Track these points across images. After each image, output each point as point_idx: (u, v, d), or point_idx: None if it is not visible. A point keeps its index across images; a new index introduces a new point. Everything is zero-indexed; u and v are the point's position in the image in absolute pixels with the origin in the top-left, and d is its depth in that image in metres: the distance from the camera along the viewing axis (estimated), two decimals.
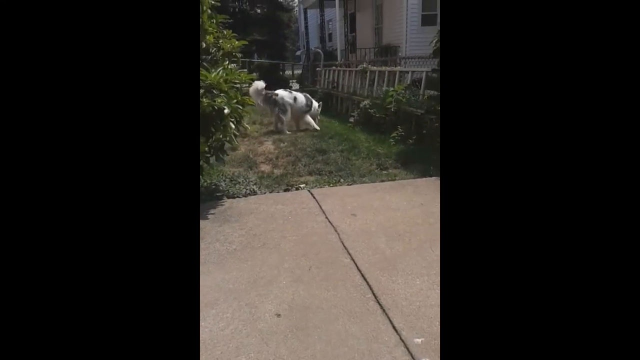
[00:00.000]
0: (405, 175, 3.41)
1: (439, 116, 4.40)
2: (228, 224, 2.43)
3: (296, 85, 14.15)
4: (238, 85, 2.60)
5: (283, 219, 2.49)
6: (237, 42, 2.70)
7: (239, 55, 2.80)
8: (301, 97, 5.61)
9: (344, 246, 2.12)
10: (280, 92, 5.51)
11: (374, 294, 1.69)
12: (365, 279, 1.81)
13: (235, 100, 2.44)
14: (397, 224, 2.39)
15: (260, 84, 5.52)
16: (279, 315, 1.55)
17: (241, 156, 4.17)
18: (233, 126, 2.47)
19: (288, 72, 18.82)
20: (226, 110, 2.32)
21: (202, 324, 1.50)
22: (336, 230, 2.31)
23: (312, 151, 4.33)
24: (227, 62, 2.69)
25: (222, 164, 3.00)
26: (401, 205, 2.69)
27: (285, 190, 3.08)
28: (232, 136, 2.52)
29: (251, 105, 2.94)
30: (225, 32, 2.83)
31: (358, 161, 3.95)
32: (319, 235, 2.26)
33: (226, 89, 2.40)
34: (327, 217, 2.50)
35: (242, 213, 2.59)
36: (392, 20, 10.80)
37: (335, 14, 11.23)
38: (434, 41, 4.09)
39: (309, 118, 5.68)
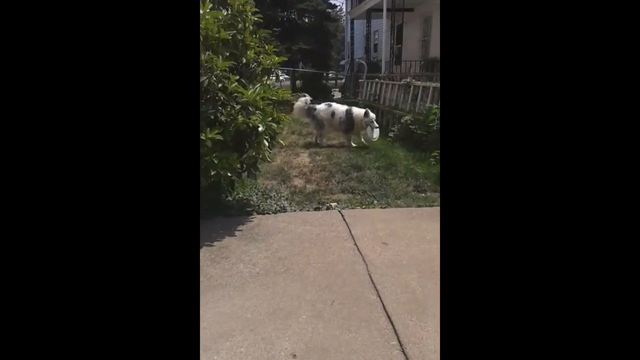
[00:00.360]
0: None
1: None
2: (254, 243, 2.38)
3: (338, 94, 14.17)
4: (275, 101, 2.56)
5: (310, 242, 2.41)
6: (276, 58, 2.67)
7: (278, 72, 2.77)
8: (340, 114, 5.28)
9: (372, 280, 1.99)
10: (319, 107, 5.43)
11: (399, 341, 1.55)
12: (391, 322, 1.67)
13: (270, 118, 2.40)
14: (431, 258, 2.21)
15: (304, 99, 5.53)
16: (294, 357, 1.45)
17: (276, 168, 4.16)
18: (267, 143, 2.43)
19: (332, 81, 18.93)
20: (260, 128, 2.29)
21: (214, 357, 1.44)
22: (364, 260, 2.18)
23: (347, 167, 4.23)
24: (266, 78, 2.67)
25: (253, 179, 2.98)
26: (438, 236, 2.50)
27: (315, 209, 2.99)
28: (265, 153, 2.48)
29: (287, 121, 2.90)
30: (266, 47, 2.82)
31: (394, 181, 3.79)
32: (345, 264, 2.14)
33: (262, 106, 2.36)
34: (356, 244, 2.38)
35: (270, 232, 2.54)
36: None
37: (381, 25, 11.11)
38: None
39: (349, 135, 5.46)
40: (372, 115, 5.24)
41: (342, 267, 2.12)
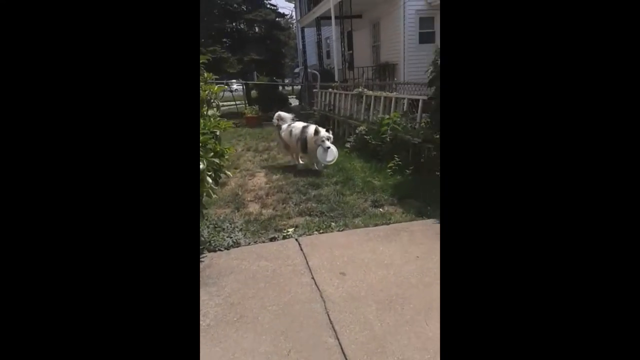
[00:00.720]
0: (401, 217, 3.20)
1: (438, 148, 4.25)
2: (205, 288, 2.23)
3: (295, 101, 14.10)
4: (217, 134, 2.43)
5: (265, 280, 2.29)
6: (216, 88, 2.54)
7: (219, 102, 2.64)
8: (297, 133, 4.80)
9: (329, 319, 1.91)
10: (283, 127, 5.06)
11: None
12: None
13: (212, 154, 2.26)
14: (389, 285, 2.18)
15: (280, 115, 5.22)
16: None
17: (230, 193, 4.00)
18: (210, 180, 2.29)
19: (288, 88, 18.85)
20: (201, 166, 2.15)
21: None
22: (322, 297, 2.10)
23: (304, 185, 4.15)
24: (207, 108, 2.53)
25: (201, 218, 2.81)
26: (395, 259, 2.48)
27: (271, 240, 2.88)
28: (210, 190, 2.33)
29: (233, 152, 2.77)
30: (206, 75, 2.68)
31: (352, 197, 3.76)
32: (302, 304, 2.05)
33: (202, 141, 2.22)
34: (313, 278, 2.30)
35: (222, 273, 2.39)
36: (390, 39, 10.73)
37: (332, 32, 11.20)
38: (429, 71, 3.94)
39: (304, 157, 4.93)
40: (323, 133, 4.42)
41: (299, 307, 2.02)
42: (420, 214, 3.21)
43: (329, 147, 4.41)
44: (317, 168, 4.69)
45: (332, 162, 4.51)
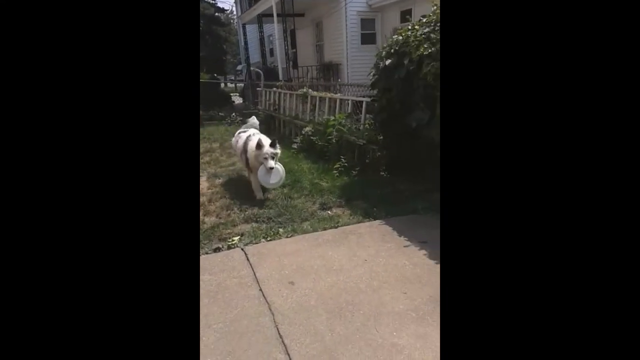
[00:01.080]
0: (348, 219, 3.22)
1: (382, 149, 4.35)
2: None
3: (239, 99, 13.70)
4: None
5: (209, 296, 2.15)
6: None
7: None
8: (241, 145, 4.01)
9: (279, 334, 1.84)
10: (237, 132, 4.49)
11: None
12: None
13: None
14: (339, 292, 2.16)
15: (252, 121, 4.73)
16: None
17: None
18: None
19: (231, 85, 18.26)
20: None
21: None
22: (271, 309, 2.02)
23: (250, 190, 4.01)
24: None
25: None
26: (344, 263, 2.48)
27: (215, 250, 2.73)
28: None
29: None
30: None
31: (300, 200, 3.71)
32: (250, 319, 1.96)
33: None
34: (261, 289, 2.21)
35: None
36: (333, 38, 10.84)
37: (275, 29, 11.03)
38: (371, 74, 4.01)
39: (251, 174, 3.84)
40: (267, 149, 3.52)
41: (247, 322, 1.93)
42: (367, 216, 3.26)
43: (272, 168, 3.54)
44: (256, 194, 3.72)
45: (277, 185, 3.72)
